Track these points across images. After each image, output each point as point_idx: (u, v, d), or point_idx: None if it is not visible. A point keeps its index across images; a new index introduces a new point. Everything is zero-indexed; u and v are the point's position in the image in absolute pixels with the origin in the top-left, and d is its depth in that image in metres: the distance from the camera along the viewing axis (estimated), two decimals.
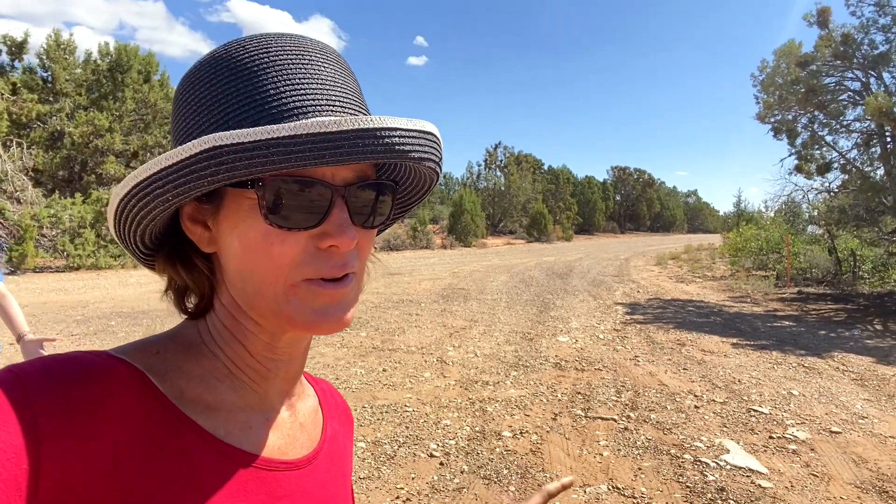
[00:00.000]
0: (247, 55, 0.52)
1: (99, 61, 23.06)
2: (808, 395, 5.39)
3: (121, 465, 0.45)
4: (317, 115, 0.50)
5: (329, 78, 0.53)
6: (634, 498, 3.40)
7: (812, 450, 4.15)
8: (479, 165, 54.98)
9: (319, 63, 0.53)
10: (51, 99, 21.71)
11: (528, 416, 4.75)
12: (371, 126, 0.46)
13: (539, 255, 28.17)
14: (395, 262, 22.27)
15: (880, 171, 11.13)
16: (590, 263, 22.22)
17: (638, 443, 4.22)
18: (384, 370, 6.04)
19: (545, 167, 63.83)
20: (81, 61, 22.99)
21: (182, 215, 0.55)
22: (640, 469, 3.79)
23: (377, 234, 0.68)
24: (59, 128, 21.25)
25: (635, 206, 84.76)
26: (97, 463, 0.44)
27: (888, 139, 10.87)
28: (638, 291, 13.41)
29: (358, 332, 7.96)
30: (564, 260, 24.05)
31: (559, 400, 5.16)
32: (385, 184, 0.57)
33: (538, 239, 45.99)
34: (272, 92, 0.50)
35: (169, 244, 0.57)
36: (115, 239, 0.57)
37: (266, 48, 0.52)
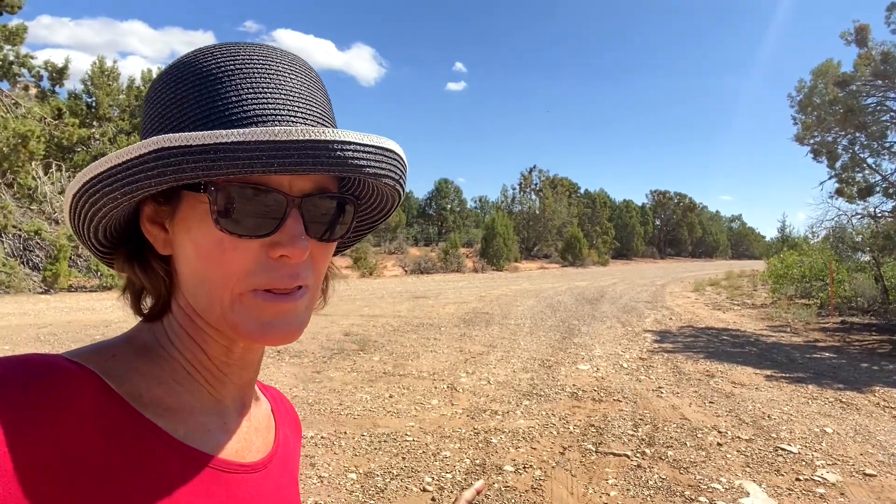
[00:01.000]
0: (213, 61, 0.52)
1: (142, 87, 23.86)
2: (842, 434, 4.98)
3: (79, 469, 0.43)
4: (276, 125, 0.49)
5: (294, 89, 0.53)
6: None
7: (842, 494, 3.78)
8: (514, 189, 54.89)
9: (286, 73, 0.54)
10: (94, 123, 22.51)
11: (534, 449, 4.49)
12: (323, 138, 0.46)
13: (571, 279, 27.72)
14: (424, 286, 22.17)
15: None
16: (623, 289, 21.71)
17: (650, 482, 3.92)
18: (391, 396, 5.85)
19: (581, 191, 63.37)
20: (125, 87, 23.84)
21: (142, 216, 0.55)
22: None
23: (339, 252, 0.69)
24: (101, 151, 21.98)
25: (675, 230, 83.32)
26: (54, 466, 0.42)
27: None
28: (670, 318, 12.95)
29: (371, 357, 7.80)
30: (597, 285, 23.56)
31: (570, 432, 4.88)
32: (344, 198, 0.56)
33: (572, 263, 45.41)
34: (234, 99, 0.50)
35: (129, 244, 0.57)
36: (73, 234, 0.58)
37: (233, 56, 0.53)
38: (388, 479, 3.88)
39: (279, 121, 0.50)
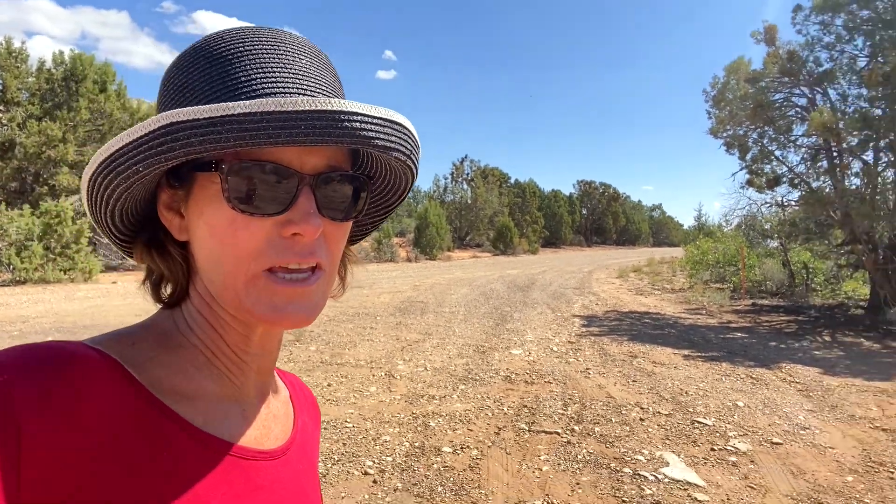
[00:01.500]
0: (223, 44, 0.53)
1: (53, 70, 22.42)
2: (752, 407, 5.41)
3: (102, 454, 0.44)
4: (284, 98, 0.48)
5: (303, 68, 0.54)
6: None
7: (752, 461, 4.13)
8: (446, 178, 55.09)
9: (294, 54, 0.54)
10: (1, 108, 21.01)
11: (471, 430, 4.64)
12: (330, 108, 0.46)
13: (503, 268, 28.21)
14: (357, 275, 21.84)
15: (828, 186, 11.40)
16: (553, 276, 22.31)
17: (579, 457, 4.15)
18: (329, 385, 5.88)
19: (511, 181, 64.27)
20: (35, 70, 22.34)
21: (158, 203, 0.55)
22: (577, 484, 3.71)
23: (357, 241, 0.72)
24: (9, 138, 20.57)
25: (601, 219, 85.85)
26: (77, 452, 0.43)
27: (834, 154, 11.15)
28: (597, 304, 13.47)
29: (307, 347, 7.77)
30: (528, 273, 24.10)
31: (505, 414, 5.07)
32: (357, 177, 0.56)
33: (504, 252, 46.15)
34: (243, 78, 0.51)
35: (146, 232, 0.58)
36: (92, 222, 0.57)
37: (242, 38, 0.53)
38: (329, 465, 3.93)
39: (287, 95, 0.50)
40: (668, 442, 4.47)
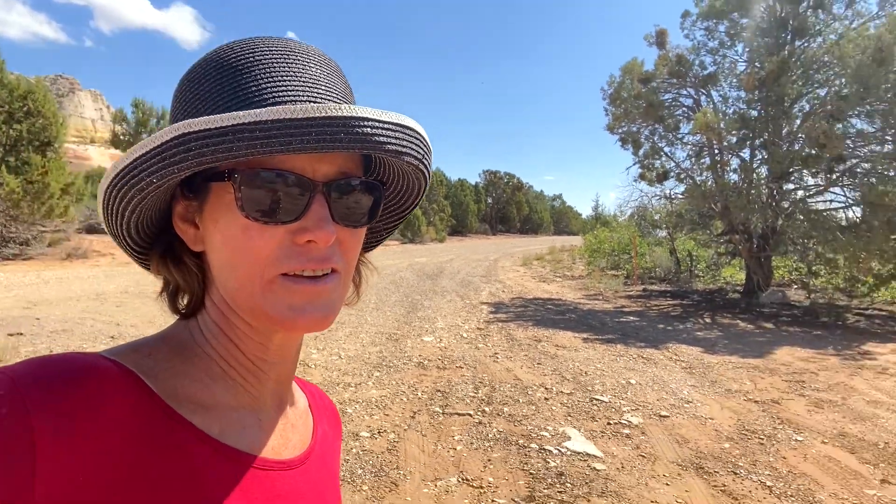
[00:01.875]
0: (234, 55, 0.53)
1: None
2: (643, 384, 5.92)
3: (117, 465, 0.44)
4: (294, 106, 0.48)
5: (312, 76, 0.54)
6: (482, 488, 3.56)
7: (643, 433, 4.57)
8: None
9: (304, 63, 0.54)
10: None
11: (387, 415, 4.81)
12: (340, 114, 0.46)
13: (412, 256, 28.41)
14: None
15: (710, 180, 12.44)
16: (460, 264, 22.77)
17: (490, 435, 4.42)
18: None
19: None
20: None
21: (174, 215, 0.56)
22: (489, 460, 3.97)
23: (372, 248, 0.72)
24: None
25: (506, 208, 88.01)
26: (94, 464, 0.43)
27: (715, 151, 12.18)
28: (503, 291, 13.97)
29: None
30: (436, 261, 24.45)
31: (419, 398, 5.27)
32: (371, 183, 0.56)
33: (412, 240, 46.40)
34: (253, 88, 0.51)
35: (162, 243, 0.58)
36: (110, 235, 0.57)
37: (252, 49, 0.54)
38: None
39: (298, 103, 0.51)
40: (569, 418, 4.84)
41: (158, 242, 0.59)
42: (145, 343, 0.56)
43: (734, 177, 12.40)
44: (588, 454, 4.11)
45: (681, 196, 13.56)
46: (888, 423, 4.81)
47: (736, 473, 3.85)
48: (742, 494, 3.57)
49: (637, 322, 9.89)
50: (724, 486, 3.67)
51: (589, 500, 3.43)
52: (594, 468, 3.87)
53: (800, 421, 4.89)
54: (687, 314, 10.80)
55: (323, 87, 0.54)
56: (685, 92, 12.77)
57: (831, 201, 11.53)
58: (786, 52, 11.11)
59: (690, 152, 12.93)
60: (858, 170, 10.76)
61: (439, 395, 5.37)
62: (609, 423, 4.75)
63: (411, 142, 0.52)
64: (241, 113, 0.45)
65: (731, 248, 13.75)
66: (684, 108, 12.88)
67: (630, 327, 9.34)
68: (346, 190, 0.54)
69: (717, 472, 3.86)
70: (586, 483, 3.65)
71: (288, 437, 0.62)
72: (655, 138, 12.92)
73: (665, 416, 4.96)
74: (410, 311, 10.27)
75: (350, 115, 0.46)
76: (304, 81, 0.53)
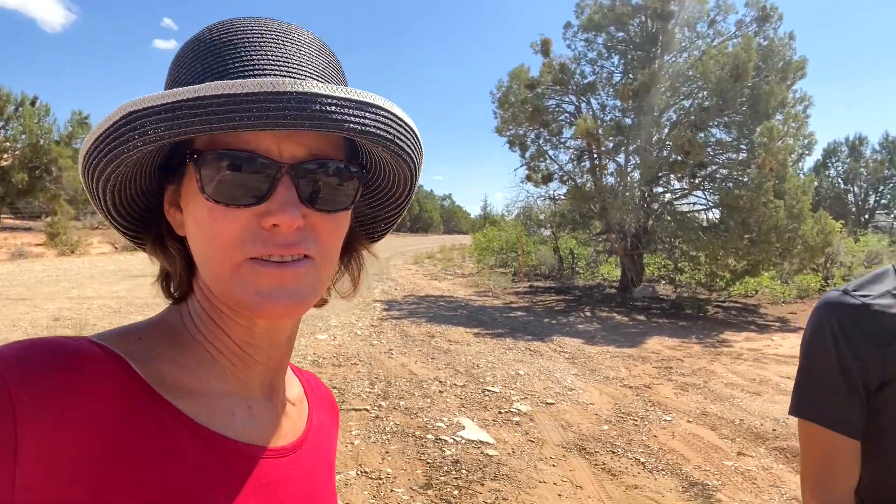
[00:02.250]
0: (209, 36, 0.52)
1: None
2: (531, 374, 6.25)
3: (100, 450, 0.43)
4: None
5: (285, 54, 0.51)
6: (381, 479, 3.64)
7: (531, 420, 4.84)
8: None
9: (280, 41, 0.51)
10: None
11: None
12: (289, 89, 0.43)
13: None
14: (141, 263, 20.13)
15: (590, 183, 13.25)
16: None
17: (387, 428, 4.50)
18: None
19: None
20: None
21: (164, 199, 0.55)
22: (387, 452, 4.06)
23: (379, 239, 0.71)
24: None
25: None
26: (76, 448, 0.42)
27: (594, 155, 12.99)
28: (396, 289, 14.07)
29: None
30: None
31: None
32: (345, 167, 0.53)
33: None
34: (220, 68, 0.49)
35: (155, 227, 0.57)
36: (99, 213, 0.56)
37: (228, 29, 0.52)
38: None
39: (262, 78, 0.47)
40: (463, 409, 5.03)
41: (153, 226, 0.58)
42: (137, 328, 0.55)
43: (611, 180, 13.32)
44: (482, 441, 4.30)
45: (563, 197, 14.32)
46: (743, 403, 5.42)
47: (614, 452, 4.20)
48: (620, 471, 3.90)
49: (524, 317, 10.35)
50: (604, 464, 4.00)
51: (483, 485, 3.61)
52: (487, 454, 4.07)
53: (668, 403, 5.38)
54: (569, 309, 11.45)
55: (295, 65, 0.51)
56: (567, 99, 13.51)
57: (694, 204, 12.73)
58: (656, 65, 12.09)
59: (572, 156, 13.72)
60: (717, 175, 11.94)
61: (336, 392, 5.37)
62: (500, 412, 4.98)
63: (381, 121, 0.48)
64: (182, 89, 0.43)
65: (608, 247, 14.71)
66: (567, 114, 13.63)
67: (518, 322, 9.76)
68: (317, 172, 0.51)
69: (598, 452, 4.19)
70: (480, 468, 3.84)
71: (279, 425, 0.61)
72: (541, 142, 13.58)
73: (551, 404, 5.28)
74: None
75: (301, 90, 0.43)
76: (273, 59, 0.50)
